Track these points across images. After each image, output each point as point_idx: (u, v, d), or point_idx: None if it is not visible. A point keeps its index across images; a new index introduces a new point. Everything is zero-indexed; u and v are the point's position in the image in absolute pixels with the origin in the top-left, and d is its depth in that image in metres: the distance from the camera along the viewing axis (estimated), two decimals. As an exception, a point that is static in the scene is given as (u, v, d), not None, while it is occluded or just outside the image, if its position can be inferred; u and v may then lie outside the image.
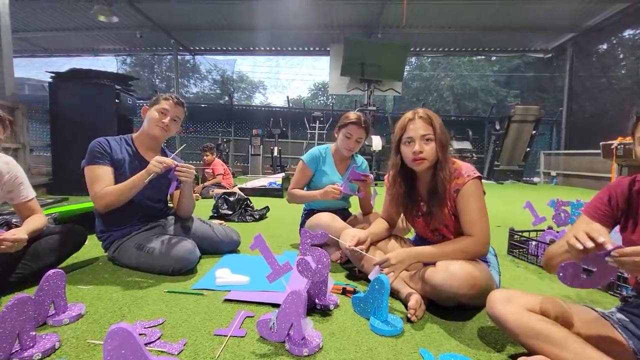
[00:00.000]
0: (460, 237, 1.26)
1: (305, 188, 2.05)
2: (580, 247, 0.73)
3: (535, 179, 8.61)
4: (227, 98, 11.01)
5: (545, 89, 11.48)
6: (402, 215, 1.57)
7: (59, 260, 1.45)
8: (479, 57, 13.90)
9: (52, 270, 1.07)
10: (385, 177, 1.57)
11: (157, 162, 1.44)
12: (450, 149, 1.31)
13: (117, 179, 1.52)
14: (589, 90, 8.69)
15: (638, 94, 6.69)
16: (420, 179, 1.36)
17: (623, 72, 8.10)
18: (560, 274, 0.79)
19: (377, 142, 6.22)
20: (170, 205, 1.86)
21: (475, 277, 1.11)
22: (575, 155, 7.65)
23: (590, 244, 0.72)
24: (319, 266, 1.05)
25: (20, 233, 1.20)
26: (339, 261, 1.77)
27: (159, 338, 1.01)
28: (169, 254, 1.49)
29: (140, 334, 1.02)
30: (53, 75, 4.07)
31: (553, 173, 8.18)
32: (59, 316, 1.09)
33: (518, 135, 7.85)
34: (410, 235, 1.68)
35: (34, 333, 0.92)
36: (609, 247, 0.70)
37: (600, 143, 5.53)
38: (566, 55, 8.98)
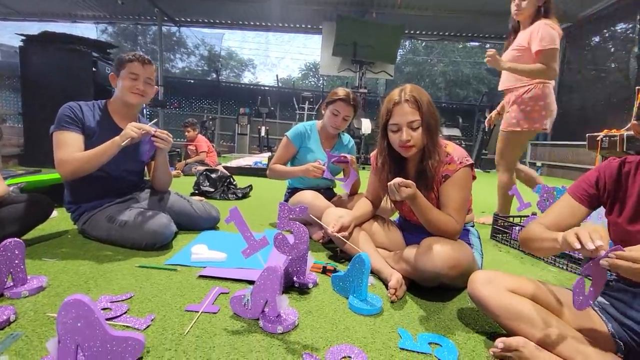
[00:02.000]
0: (448, 216, 1.22)
1: (288, 164, 1.99)
2: (579, 246, 0.69)
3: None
4: (214, 75, 10.65)
5: (535, 80, 11.52)
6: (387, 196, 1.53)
7: (22, 231, 1.36)
8: (474, 43, 13.78)
9: (9, 239, 0.99)
10: (372, 155, 1.52)
11: (134, 127, 1.34)
12: (440, 135, 1.25)
13: (88, 148, 1.41)
14: (579, 83, 8.76)
15: (626, 87, 6.76)
16: (408, 161, 1.31)
17: (613, 65, 8.17)
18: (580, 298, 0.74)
19: (366, 126, 6.14)
20: (147, 179, 1.77)
21: (457, 258, 1.09)
22: (561, 147, 7.77)
23: (591, 246, 0.67)
24: (297, 242, 1.00)
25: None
26: (321, 241, 1.73)
27: (124, 313, 0.95)
28: (142, 227, 1.42)
29: (104, 309, 0.96)
30: (24, 38, 3.80)
31: (538, 163, 8.32)
32: (17, 288, 1.01)
33: (507, 124, 7.91)
34: (395, 216, 1.65)
35: (-16, 305, 0.84)
36: (602, 252, 0.67)
37: (587, 135, 5.62)
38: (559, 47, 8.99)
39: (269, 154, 4.71)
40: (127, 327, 0.89)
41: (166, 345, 0.83)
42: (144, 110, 8.35)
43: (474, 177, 1.23)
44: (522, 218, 2.06)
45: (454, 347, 0.90)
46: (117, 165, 1.48)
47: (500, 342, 0.81)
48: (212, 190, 2.71)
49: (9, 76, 4.04)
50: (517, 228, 1.95)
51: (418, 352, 0.87)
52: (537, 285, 0.91)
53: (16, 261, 1.01)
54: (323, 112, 1.92)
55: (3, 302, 0.97)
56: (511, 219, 2.05)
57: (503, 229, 2.04)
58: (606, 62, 8.34)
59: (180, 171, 3.95)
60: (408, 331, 0.95)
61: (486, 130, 8.15)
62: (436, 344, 0.91)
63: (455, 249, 1.10)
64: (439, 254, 1.08)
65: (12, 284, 1.02)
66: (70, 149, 1.37)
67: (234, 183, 2.87)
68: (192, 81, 10.60)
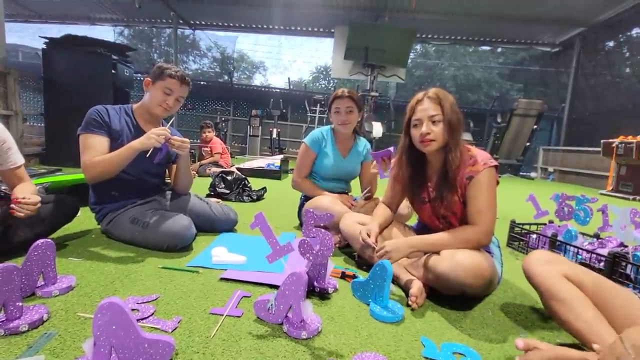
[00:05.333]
0: (462, 227, 1.23)
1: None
2: None
3: (533, 174, 8.62)
4: (226, 77, 10.76)
5: (548, 84, 11.38)
6: (404, 201, 1.53)
7: (50, 231, 1.40)
8: (485, 47, 13.67)
9: (42, 240, 1.02)
10: (392, 160, 1.53)
11: (156, 134, 1.36)
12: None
13: (114, 150, 1.45)
14: (593, 88, 8.61)
15: (642, 93, 6.63)
16: (430, 163, 1.32)
17: (628, 70, 8.01)
18: None
19: (377, 129, 6.14)
20: (168, 181, 1.81)
21: (481, 267, 1.08)
22: (574, 152, 7.64)
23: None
24: (322, 248, 1.01)
25: (34, 197, 1.20)
26: (337, 245, 1.74)
27: (152, 314, 0.97)
28: (164, 229, 1.45)
29: (132, 309, 0.98)
30: (47, 40, 3.91)
31: (550, 169, 8.19)
32: (48, 287, 1.04)
33: (519, 129, 7.81)
34: (412, 221, 1.65)
35: (20, 304, 0.87)
36: None
37: (601, 141, 5.52)
38: (573, 50, 8.85)
39: (282, 156, 4.73)
40: (156, 329, 0.91)
41: (194, 348, 0.85)
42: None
43: (497, 182, 1.23)
44: (539, 226, 2.04)
45: (479, 357, 0.89)
46: (136, 168, 1.51)
47: (520, 341, 0.82)
48: (227, 192, 2.75)
49: (31, 77, 4.16)
50: (534, 236, 1.93)
51: (442, 362, 0.87)
52: (594, 278, 0.91)
53: (47, 261, 1.04)
54: (330, 119, 1.94)
55: (35, 300, 1.00)
56: (528, 227, 2.03)
57: (519, 237, 2.02)
58: (621, 67, 8.19)
59: (195, 172, 4.00)
60: (431, 340, 0.95)
61: (497, 135, 8.07)
62: (460, 353, 0.91)
63: (479, 258, 1.10)
64: (463, 263, 1.07)
65: (43, 283, 1.06)
66: (93, 152, 1.41)
67: (249, 185, 2.90)
68: (205, 83, 10.72)
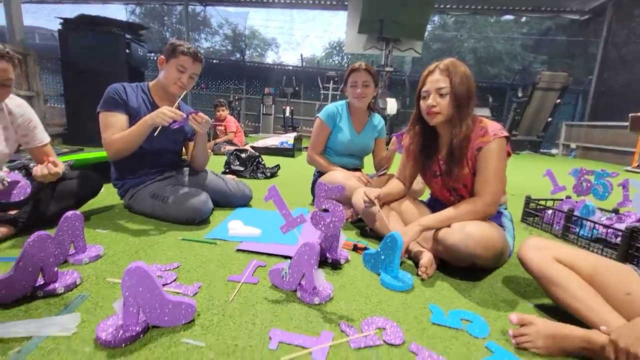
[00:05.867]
0: (468, 199, 1.24)
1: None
2: None
3: (554, 151, 8.34)
4: (238, 55, 10.64)
5: (574, 55, 10.75)
6: (417, 177, 1.54)
7: (77, 204, 1.49)
8: (508, 17, 12.92)
9: (71, 212, 1.09)
10: (405, 135, 1.52)
11: (162, 114, 1.39)
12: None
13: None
14: (624, 58, 8.10)
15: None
16: (440, 136, 1.31)
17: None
18: None
19: (392, 106, 6.01)
20: (185, 158, 1.86)
21: (492, 239, 1.09)
22: (599, 128, 7.31)
23: None
24: (333, 219, 1.04)
25: (60, 166, 1.31)
26: (350, 220, 1.77)
27: (174, 280, 1.04)
28: (183, 203, 1.51)
29: (157, 276, 1.05)
30: (62, 21, 3.95)
31: (573, 145, 7.90)
32: (78, 256, 1.12)
33: (541, 104, 7.49)
34: (425, 197, 1.66)
35: (56, 269, 0.95)
36: None
37: (630, 115, 5.25)
38: (604, 17, 8.28)
39: (295, 134, 4.74)
40: (178, 293, 0.97)
41: (214, 310, 0.91)
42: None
43: (509, 154, 1.21)
44: (555, 202, 2.01)
45: (486, 323, 0.92)
46: (153, 145, 1.55)
47: (514, 316, 0.85)
48: (242, 169, 2.80)
49: (49, 58, 4.25)
50: (550, 212, 1.90)
51: (450, 327, 0.90)
52: (588, 258, 0.92)
53: (77, 231, 1.12)
54: (346, 93, 1.92)
55: (68, 267, 1.08)
56: (544, 202, 2.00)
57: (534, 212, 1.99)
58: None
59: (209, 150, 4.07)
60: (440, 307, 0.99)
61: (518, 110, 7.77)
62: (467, 320, 0.94)
63: (489, 229, 1.11)
64: (473, 234, 1.08)
65: (74, 251, 1.14)
66: (113, 130, 1.46)
67: (263, 162, 2.94)
68: (217, 61, 10.66)
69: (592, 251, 1.59)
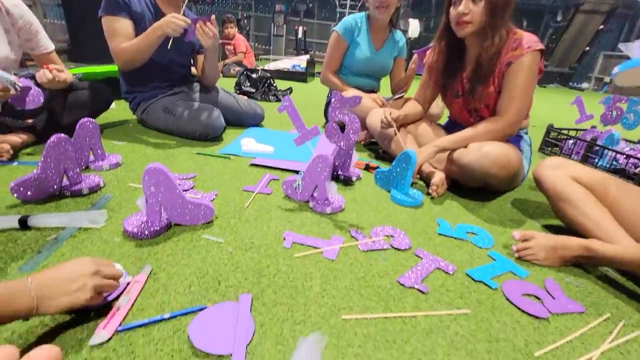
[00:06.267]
0: (487, 119, 1.18)
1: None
2: None
3: (584, 85, 7.77)
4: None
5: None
6: (435, 100, 1.46)
7: (91, 116, 1.48)
8: None
9: (85, 119, 1.09)
10: (428, 52, 1.41)
11: (172, 23, 1.29)
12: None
13: (137, 34, 1.41)
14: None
15: None
16: (468, 49, 1.20)
17: None
18: None
19: (414, 28, 5.50)
20: (194, 73, 1.79)
21: (508, 159, 1.07)
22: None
23: None
24: (349, 131, 1.02)
25: (66, 73, 1.27)
26: (363, 142, 1.75)
27: (192, 187, 1.08)
28: (195, 119, 1.49)
29: (174, 183, 1.09)
30: None
31: (607, 79, 7.30)
32: (98, 162, 1.16)
33: (581, 30, 6.75)
34: (442, 121, 1.60)
35: (78, 170, 0.99)
36: None
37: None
38: None
39: (307, 57, 4.46)
40: (197, 198, 1.02)
41: (230, 214, 0.95)
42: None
43: (541, 71, 1.12)
44: (579, 132, 1.92)
45: (490, 236, 0.95)
46: (163, 56, 1.49)
47: (517, 232, 0.87)
48: (253, 90, 2.71)
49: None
50: (570, 141, 1.84)
51: (455, 238, 0.94)
52: (604, 179, 0.91)
53: (94, 139, 1.13)
54: (367, 4, 1.73)
55: (89, 172, 1.13)
56: (566, 132, 1.92)
57: (554, 142, 1.93)
58: None
59: (220, 71, 3.93)
60: (447, 221, 1.02)
61: (553, 37, 7.05)
62: (473, 233, 0.97)
63: (507, 149, 1.08)
64: (490, 153, 1.06)
65: (93, 159, 1.17)
66: (120, 37, 1.38)
67: (274, 84, 2.83)
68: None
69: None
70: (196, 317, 0.59)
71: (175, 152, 1.39)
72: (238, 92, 2.74)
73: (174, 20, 1.29)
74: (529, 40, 1.09)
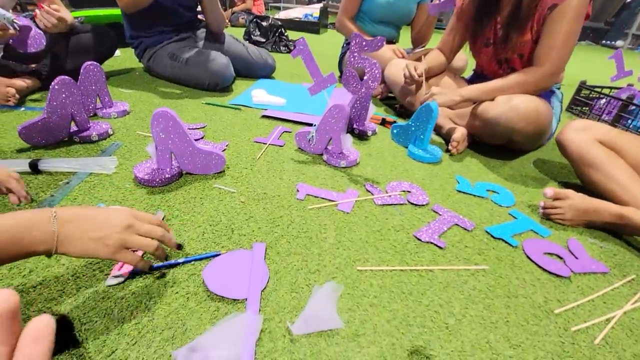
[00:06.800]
0: (521, 70, 1.07)
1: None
2: None
3: (619, 43, 7.17)
4: None
5: None
6: (460, 53, 1.34)
7: (96, 61, 1.42)
8: None
9: (88, 62, 1.03)
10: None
11: None
12: None
13: None
14: None
15: None
16: None
17: None
18: None
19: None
20: (201, 17, 1.68)
21: (538, 113, 0.99)
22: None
23: None
24: (369, 78, 0.95)
25: (63, 12, 1.20)
26: (379, 97, 1.66)
27: (202, 137, 1.05)
28: (204, 66, 1.42)
29: (184, 133, 1.06)
30: None
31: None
32: (106, 109, 1.12)
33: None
34: (467, 74, 1.49)
35: (86, 116, 0.95)
36: None
37: None
38: None
39: (321, 5, 4.16)
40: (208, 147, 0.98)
41: (242, 165, 0.92)
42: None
43: (588, 16, 1.00)
44: (613, 90, 1.78)
45: (512, 195, 0.91)
46: (173, 0, 1.39)
47: (550, 189, 0.82)
48: (263, 40, 2.57)
49: None
50: (603, 101, 1.71)
51: (475, 195, 0.90)
52: (633, 140, 0.86)
53: (100, 84, 1.09)
54: None
55: (98, 119, 1.10)
56: (599, 90, 1.78)
57: (585, 100, 1.80)
58: None
59: (227, 20, 3.70)
60: (466, 178, 0.97)
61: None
62: (493, 191, 0.93)
63: (538, 103, 1.00)
64: (519, 106, 0.98)
65: (101, 105, 1.13)
66: None
67: (286, 34, 2.67)
68: None
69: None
70: (210, 262, 0.58)
71: (184, 102, 1.34)
72: (248, 41, 2.59)
73: None
74: None
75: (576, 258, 0.70)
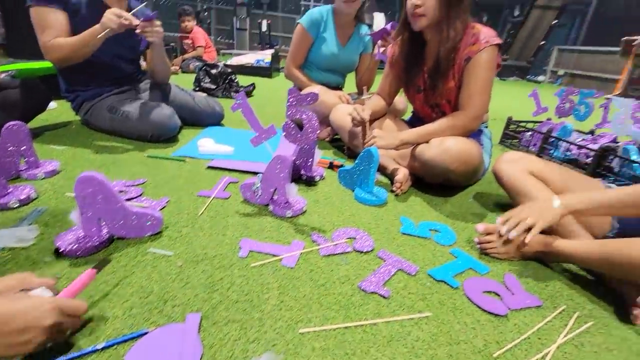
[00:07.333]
0: (449, 115, 1.18)
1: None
2: None
3: (540, 78, 8.20)
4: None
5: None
6: (399, 96, 1.45)
7: (24, 118, 1.32)
8: None
9: (11, 122, 0.96)
10: (389, 47, 1.39)
11: (113, 15, 1.18)
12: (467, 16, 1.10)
13: (77, 28, 1.27)
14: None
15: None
16: (428, 44, 1.19)
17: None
18: None
19: (379, 21, 5.50)
20: (145, 69, 1.66)
21: (469, 154, 1.08)
22: (590, 53, 7.11)
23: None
24: (308, 129, 0.98)
25: None
26: (327, 139, 1.72)
27: (140, 195, 0.99)
28: (146, 118, 1.39)
29: (120, 191, 1.00)
30: None
31: (561, 72, 7.75)
32: (32, 170, 1.04)
33: (536, 25, 7.10)
34: (407, 116, 1.59)
35: (5, 181, 0.87)
36: None
37: (622, 38, 5.07)
38: None
39: (272, 51, 4.35)
40: (145, 207, 0.93)
41: (182, 223, 0.88)
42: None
43: (499, 65, 1.13)
44: (536, 124, 2.00)
45: (453, 233, 0.95)
46: (108, 50, 1.35)
47: (481, 225, 0.88)
48: (213, 87, 2.59)
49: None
50: (529, 134, 1.91)
51: (418, 237, 0.93)
52: (561, 172, 0.95)
53: (24, 144, 1.01)
54: None
55: (21, 182, 1.01)
56: (524, 125, 1.99)
57: (514, 134, 2.00)
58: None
59: (177, 67, 3.72)
60: (410, 219, 1.01)
61: (512, 32, 7.36)
62: (436, 230, 0.97)
63: (467, 144, 1.08)
64: (451, 149, 1.06)
65: (26, 166, 1.05)
66: (52, 31, 1.24)
67: (236, 80, 2.72)
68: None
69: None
70: (135, 344, 0.53)
71: (124, 155, 1.28)
72: (197, 88, 2.60)
73: (116, 12, 1.18)
74: (487, 34, 1.09)
75: (512, 294, 0.73)
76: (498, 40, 1.08)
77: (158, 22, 1.29)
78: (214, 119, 1.75)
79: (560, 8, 6.86)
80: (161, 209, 0.93)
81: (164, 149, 1.39)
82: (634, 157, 1.36)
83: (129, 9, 1.42)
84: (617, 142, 1.59)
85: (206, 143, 1.40)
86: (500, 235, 0.77)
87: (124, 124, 1.40)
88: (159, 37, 1.33)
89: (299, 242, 0.84)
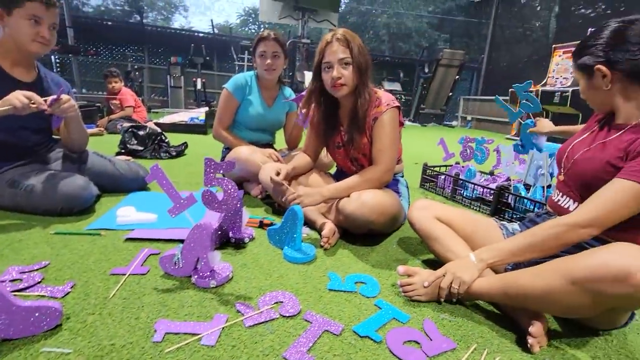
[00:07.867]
0: (365, 169, 1.30)
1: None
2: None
3: (454, 123, 9.40)
4: (137, 17, 9.30)
5: (471, 35, 12.02)
6: (324, 149, 1.55)
7: None
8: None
9: None
10: (312, 107, 1.51)
11: (22, 97, 1.11)
12: (380, 87, 1.29)
13: None
14: (507, 40, 9.33)
15: (546, 46, 7.36)
16: (342, 106, 1.33)
17: (538, 24, 8.77)
18: None
19: (309, 78, 5.98)
20: (57, 137, 1.56)
21: (384, 205, 1.17)
22: (489, 102, 8.43)
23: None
24: (227, 198, 0.98)
25: None
26: (259, 196, 1.73)
27: (38, 282, 0.88)
28: (54, 191, 1.27)
29: (13, 280, 0.88)
30: None
31: (469, 117, 8.99)
32: None
33: (443, 80, 8.28)
34: (332, 170, 1.69)
35: None
36: None
37: (510, 90, 6.15)
38: (493, 2, 9.34)
39: (206, 108, 4.39)
40: (43, 296, 0.83)
41: (89, 310, 0.80)
42: (53, 57, 7.11)
43: (402, 124, 1.29)
44: (447, 167, 2.26)
45: (377, 283, 0.99)
46: (9, 122, 1.23)
47: (401, 267, 0.96)
48: (141, 148, 2.50)
49: None
50: (442, 177, 2.14)
51: (345, 291, 0.95)
52: (463, 215, 1.07)
53: None
54: (255, 64, 1.81)
55: None
56: (438, 169, 2.24)
57: (430, 178, 2.22)
58: (531, 20, 8.92)
59: (103, 128, 3.54)
60: (337, 274, 1.03)
61: (424, 85, 8.48)
62: (361, 282, 1.00)
63: (383, 197, 1.18)
64: (368, 202, 1.14)
65: None
66: None
67: (166, 140, 2.67)
68: (110, 23, 9.12)
69: (473, 208, 1.84)
70: None
71: (24, 235, 1.15)
72: (124, 150, 2.49)
73: (25, 102, 1.11)
74: (387, 98, 1.26)
75: (430, 339, 0.77)
76: (397, 104, 1.26)
77: (66, 98, 1.24)
78: (137, 184, 1.66)
79: (459, 66, 8.15)
80: (63, 297, 0.83)
81: (75, 222, 1.27)
82: (523, 194, 1.60)
83: (39, 77, 1.36)
84: (510, 181, 1.86)
85: (126, 212, 1.31)
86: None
87: (27, 199, 1.27)
88: (72, 112, 1.28)
89: (221, 315, 0.80)
